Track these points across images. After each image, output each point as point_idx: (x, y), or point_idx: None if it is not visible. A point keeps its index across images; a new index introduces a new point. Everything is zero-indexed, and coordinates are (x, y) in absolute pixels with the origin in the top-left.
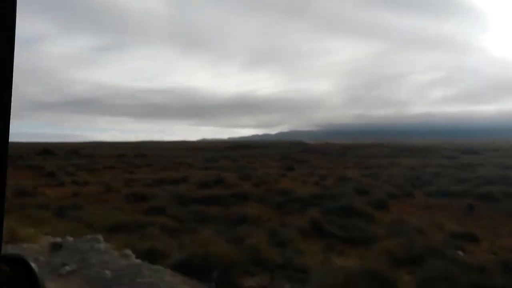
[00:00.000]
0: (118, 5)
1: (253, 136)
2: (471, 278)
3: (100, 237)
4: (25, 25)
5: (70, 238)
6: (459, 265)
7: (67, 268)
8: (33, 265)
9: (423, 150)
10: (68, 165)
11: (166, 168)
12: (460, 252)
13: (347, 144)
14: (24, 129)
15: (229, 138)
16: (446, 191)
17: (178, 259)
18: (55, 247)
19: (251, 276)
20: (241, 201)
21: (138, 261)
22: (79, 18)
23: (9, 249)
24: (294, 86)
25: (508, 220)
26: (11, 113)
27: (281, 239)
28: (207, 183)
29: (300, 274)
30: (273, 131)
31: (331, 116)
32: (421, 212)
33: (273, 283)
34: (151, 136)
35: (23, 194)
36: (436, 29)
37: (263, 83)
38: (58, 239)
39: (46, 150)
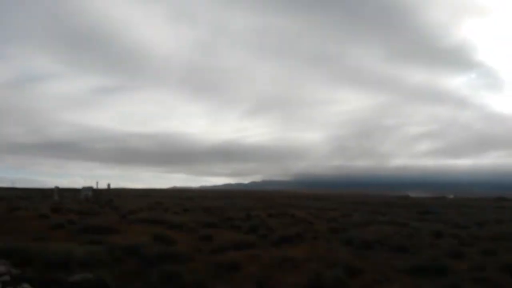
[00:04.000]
0: (140, 49)
1: (225, 185)
2: None
3: None
4: (32, 62)
5: None
6: None
7: None
8: None
9: (374, 203)
10: None
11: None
12: None
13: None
14: None
15: (201, 187)
16: None
17: None
18: None
19: None
20: None
21: None
22: (95, 59)
23: None
24: (286, 135)
25: None
26: None
27: None
28: None
29: None
30: (246, 180)
31: (310, 166)
32: None
33: None
34: (114, 183)
35: None
36: (442, 84)
37: (256, 131)
38: None
39: None
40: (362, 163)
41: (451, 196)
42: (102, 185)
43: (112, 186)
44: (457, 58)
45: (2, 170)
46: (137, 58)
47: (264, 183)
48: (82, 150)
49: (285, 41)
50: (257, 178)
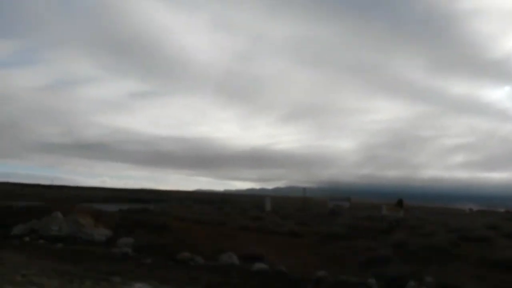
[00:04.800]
0: (179, 56)
1: (249, 189)
2: None
3: None
4: (73, 67)
5: None
6: None
7: None
8: None
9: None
10: None
11: None
12: None
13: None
14: (13, 169)
15: (225, 190)
16: None
17: None
18: None
19: None
20: None
21: None
22: (135, 64)
23: None
24: (316, 143)
25: None
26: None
27: None
28: None
29: None
30: (269, 185)
31: (337, 173)
32: None
33: None
34: (141, 183)
35: None
36: (483, 96)
37: (286, 138)
38: None
39: None
40: (392, 173)
41: None
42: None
43: (137, 186)
44: (501, 70)
45: (39, 169)
46: (175, 65)
47: (287, 189)
48: (112, 151)
49: (324, 50)
50: (281, 184)
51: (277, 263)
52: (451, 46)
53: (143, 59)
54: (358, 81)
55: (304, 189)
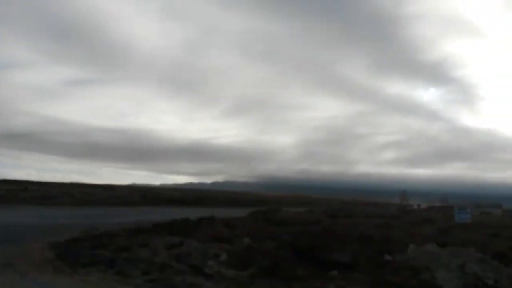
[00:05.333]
0: (124, 44)
1: (187, 184)
2: None
3: None
4: (3, 49)
5: None
6: None
7: None
8: None
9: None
10: None
11: None
12: None
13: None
14: None
15: (161, 184)
16: None
17: None
18: None
19: None
20: None
21: None
22: (75, 50)
23: None
24: (258, 138)
25: None
26: None
27: None
28: None
29: None
30: (208, 180)
31: (276, 168)
32: None
33: None
34: (70, 177)
35: None
36: (417, 97)
37: (228, 132)
38: None
39: None
40: (327, 168)
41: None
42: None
43: (66, 180)
44: (435, 73)
45: None
46: (119, 53)
47: (226, 183)
48: (42, 142)
49: (274, 47)
50: (220, 178)
51: None
52: (392, 49)
53: (85, 45)
54: (303, 78)
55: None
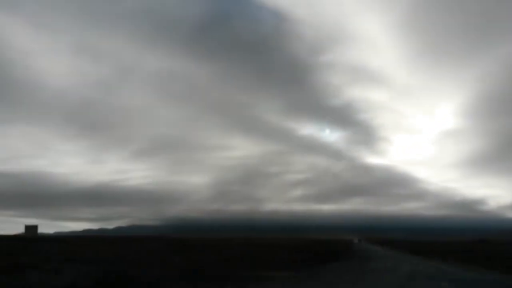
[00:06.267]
0: (30, 80)
1: (86, 230)
2: None
3: None
4: None
5: None
6: None
7: None
8: None
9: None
10: None
11: None
12: None
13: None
14: None
15: (55, 233)
16: None
17: None
18: None
19: None
20: None
21: None
22: None
23: None
24: (169, 179)
25: None
26: None
27: None
28: None
29: None
30: (111, 225)
31: (186, 210)
32: None
33: None
34: None
35: None
36: (324, 137)
37: (138, 174)
38: None
39: None
40: (238, 207)
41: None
42: None
43: None
44: (341, 116)
45: None
46: (22, 90)
47: (130, 228)
48: None
49: (192, 87)
50: (124, 223)
51: None
52: (305, 93)
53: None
54: (220, 119)
55: None
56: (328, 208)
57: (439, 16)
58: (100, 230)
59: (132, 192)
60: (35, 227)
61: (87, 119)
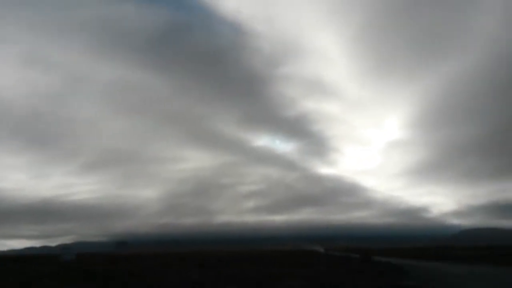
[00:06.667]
0: None
1: (27, 248)
2: None
3: None
4: None
5: None
6: None
7: None
8: None
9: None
10: None
11: None
12: None
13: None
14: None
15: None
16: None
17: None
18: None
19: None
20: None
21: None
22: None
23: None
24: (118, 193)
25: None
26: None
27: None
28: None
29: None
30: (54, 242)
31: (135, 225)
32: None
33: None
34: None
35: None
36: (278, 149)
37: (86, 188)
38: None
39: None
40: (189, 220)
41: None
42: None
43: None
44: (295, 128)
45: None
46: None
47: (75, 245)
48: None
49: (147, 99)
50: (68, 240)
51: None
52: (260, 105)
53: None
54: (175, 131)
55: None
56: (279, 218)
57: (389, 34)
58: (42, 248)
59: (78, 207)
60: None
61: (35, 132)
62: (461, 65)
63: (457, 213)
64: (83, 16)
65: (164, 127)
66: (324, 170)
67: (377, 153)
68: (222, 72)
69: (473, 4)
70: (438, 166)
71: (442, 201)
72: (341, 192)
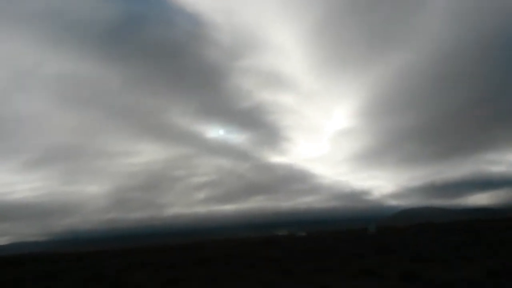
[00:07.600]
0: None
1: None
2: None
3: None
4: None
5: None
6: None
7: None
8: None
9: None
10: None
11: None
12: None
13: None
14: None
15: None
16: None
17: None
18: None
19: None
20: None
21: None
22: None
23: None
24: (62, 190)
25: None
26: None
27: None
28: None
29: None
30: None
31: (79, 222)
32: None
33: None
34: None
35: None
36: (231, 140)
37: (27, 186)
38: None
39: None
40: (137, 215)
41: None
42: None
43: None
44: (249, 118)
45: None
46: None
47: (12, 246)
48: None
49: (98, 92)
50: (3, 241)
51: None
52: (217, 97)
53: None
54: (127, 125)
55: None
56: (229, 208)
57: (342, 29)
58: None
59: (16, 206)
60: None
61: None
62: (404, 60)
63: (396, 195)
64: (31, 6)
65: (116, 121)
66: (276, 159)
67: (326, 141)
68: (179, 64)
69: (419, 5)
70: (381, 151)
71: (383, 184)
72: (291, 179)
